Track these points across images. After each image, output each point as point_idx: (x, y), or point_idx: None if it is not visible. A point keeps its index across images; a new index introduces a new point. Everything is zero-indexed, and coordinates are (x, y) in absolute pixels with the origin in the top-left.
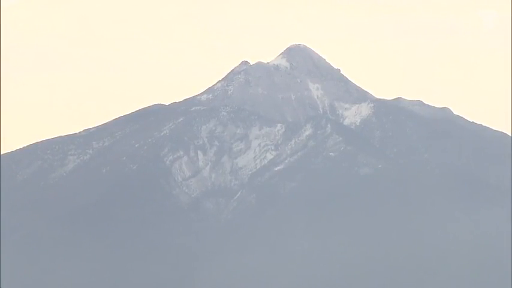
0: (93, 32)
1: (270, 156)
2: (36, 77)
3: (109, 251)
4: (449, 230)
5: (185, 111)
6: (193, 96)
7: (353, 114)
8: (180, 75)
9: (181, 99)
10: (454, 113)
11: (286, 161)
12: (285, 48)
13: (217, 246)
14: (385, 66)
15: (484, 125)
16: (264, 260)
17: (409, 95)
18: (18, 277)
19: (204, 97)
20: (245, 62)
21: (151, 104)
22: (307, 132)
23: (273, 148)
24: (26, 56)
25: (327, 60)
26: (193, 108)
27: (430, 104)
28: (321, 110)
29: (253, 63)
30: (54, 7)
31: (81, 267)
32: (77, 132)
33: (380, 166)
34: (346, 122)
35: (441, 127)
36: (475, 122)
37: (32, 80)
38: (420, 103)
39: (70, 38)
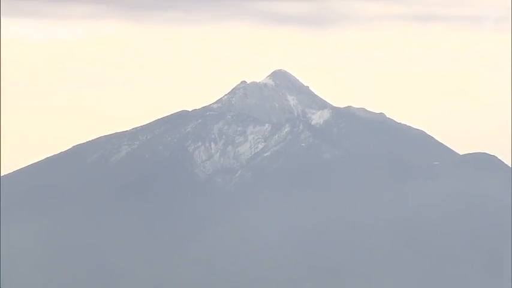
0: (138, 57)
1: (260, 146)
2: (98, 89)
3: (150, 210)
4: (384, 200)
5: (202, 115)
6: (208, 105)
7: (318, 117)
8: (199, 91)
9: (200, 107)
10: (387, 116)
11: (272, 149)
12: (271, 72)
13: (225, 208)
14: (339, 84)
15: (407, 124)
16: (258, 217)
17: (356, 104)
18: (86, 229)
19: (215, 105)
20: (244, 81)
21: (179, 110)
22: (286, 130)
23: (262, 140)
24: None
25: (300, 80)
26: (208, 113)
27: (370, 110)
28: (296, 114)
29: (249, 82)
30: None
31: (131, 222)
32: (128, 129)
33: (337, 153)
34: (313, 122)
35: (378, 126)
36: (401, 122)
37: (96, 90)
38: (364, 109)
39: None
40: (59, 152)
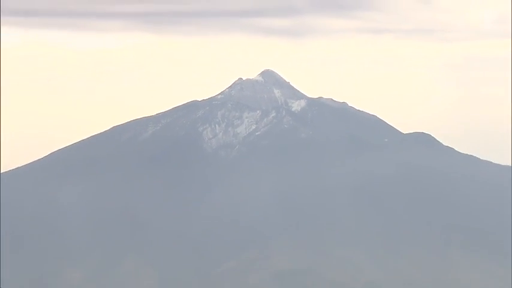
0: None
1: (253, 127)
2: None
3: (169, 176)
4: (346, 169)
5: (209, 104)
6: (213, 96)
7: (296, 106)
8: (206, 85)
9: (207, 98)
10: (349, 105)
11: (262, 130)
12: (261, 71)
13: (226, 174)
14: (313, 80)
15: (364, 111)
16: (251, 181)
17: (325, 95)
18: (121, 190)
19: (219, 96)
20: (240, 78)
21: (191, 100)
22: (272, 115)
23: (254, 123)
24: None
25: (283, 78)
26: (213, 102)
27: (336, 100)
28: (280, 103)
29: (245, 79)
30: None
31: (155, 185)
32: (153, 115)
33: (310, 133)
34: (293, 109)
35: (341, 112)
36: (359, 109)
37: (128, 84)
38: (331, 100)
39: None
40: (101, 131)
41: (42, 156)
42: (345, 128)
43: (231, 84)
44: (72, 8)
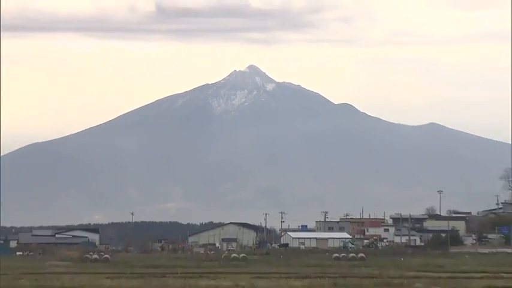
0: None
1: (243, 100)
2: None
3: (192, 130)
4: (300, 128)
5: (216, 86)
6: (218, 81)
7: (269, 87)
8: (215, 74)
9: (215, 82)
10: (302, 86)
11: (248, 102)
12: (248, 65)
13: (227, 129)
14: (279, 71)
15: (310, 89)
16: (241, 134)
17: (288, 80)
18: (163, 138)
19: (222, 81)
20: (235, 70)
21: (204, 83)
22: (254, 92)
23: (244, 98)
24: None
25: (262, 70)
26: (218, 85)
27: (294, 83)
28: (259, 85)
29: (238, 70)
30: None
31: (183, 136)
32: (181, 92)
33: (278, 104)
34: (267, 89)
35: (297, 91)
36: (309, 89)
37: (165, 75)
38: (290, 83)
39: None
40: (149, 102)
41: (114, 117)
42: (299, 101)
43: (229, 73)
44: (129, 26)
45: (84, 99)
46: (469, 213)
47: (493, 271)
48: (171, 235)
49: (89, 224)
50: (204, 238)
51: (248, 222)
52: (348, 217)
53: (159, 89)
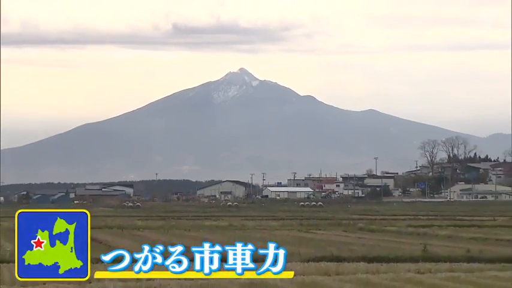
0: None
1: (235, 92)
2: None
3: (201, 112)
4: (274, 111)
5: (216, 82)
6: (219, 79)
7: (254, 83)
8: (217, 73)
9: (215, 80)
10: (278, 83)
11: (239, 93)
12: (239, 68)
13: (223, 114)
14: (262, 72)
15: (284, 85)
16: (234, 116)
17: (267, 79)
18: (180, 118)
19: (221, 79)
20: (230, 72)
21: (208, 81)
22: (244, 87)
23: (236, 91)
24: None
25: (249, 71)
26: (218, 82)
27: (272, 81)
28: (247, 82)
29: (232, 72)
30: None
31: (195, 116)
32: (194, 87)
33: (260, 95)
34: (253, 85)
35: (274, 87)
36: (283, 85)
37: (180, 75)
38: (269, 81)
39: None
40: (168, 94)
41: (144, 105)
42: (275, 94)
43: (226, 74)
44: (153, 40)
45: (122, 92)
46: (397, 173)
47: (413, 214)
48: (184, 189)
49: (126, 181)
50: (208, 191)
51: (239, 180)
52: (310, 176)
53: (176, 85)
